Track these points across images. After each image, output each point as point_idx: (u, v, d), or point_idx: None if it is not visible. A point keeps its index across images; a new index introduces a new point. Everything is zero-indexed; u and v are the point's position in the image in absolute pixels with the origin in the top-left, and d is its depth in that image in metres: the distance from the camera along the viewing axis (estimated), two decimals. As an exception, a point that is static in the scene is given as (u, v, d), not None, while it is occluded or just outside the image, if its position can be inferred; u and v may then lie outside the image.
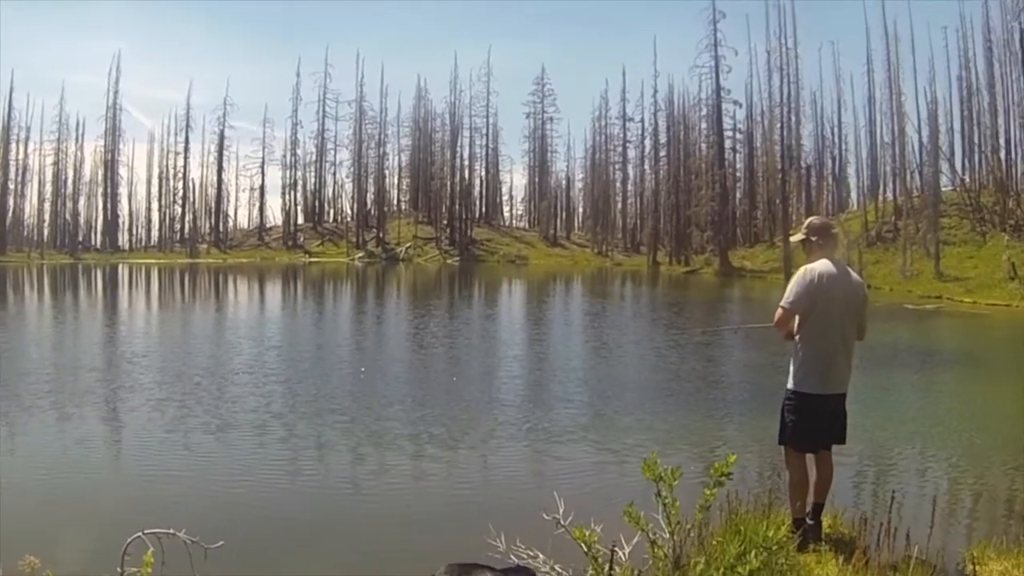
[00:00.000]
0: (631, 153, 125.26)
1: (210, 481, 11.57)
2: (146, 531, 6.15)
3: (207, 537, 6.32)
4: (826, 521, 8.33)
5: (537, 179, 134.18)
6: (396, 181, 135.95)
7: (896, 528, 7.35)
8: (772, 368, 19.02)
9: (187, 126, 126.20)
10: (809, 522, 8.03)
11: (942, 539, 7.96)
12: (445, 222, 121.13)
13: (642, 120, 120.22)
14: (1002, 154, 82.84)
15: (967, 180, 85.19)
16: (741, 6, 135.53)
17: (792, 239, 9.01)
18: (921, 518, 7.99)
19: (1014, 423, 16.43)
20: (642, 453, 6.46)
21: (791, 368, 8.25)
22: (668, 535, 6.26)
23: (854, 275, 8.41)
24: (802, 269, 8.19)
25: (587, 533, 6.02)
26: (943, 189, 79.19)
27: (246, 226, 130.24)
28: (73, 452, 12.94)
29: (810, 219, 8.84)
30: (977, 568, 7.54)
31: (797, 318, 8.12)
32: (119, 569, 5.98)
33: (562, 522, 6.49)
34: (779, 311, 8.11)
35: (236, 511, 10.26)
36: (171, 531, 6.22)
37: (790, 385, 8.21)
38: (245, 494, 10.96)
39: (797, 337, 8.16)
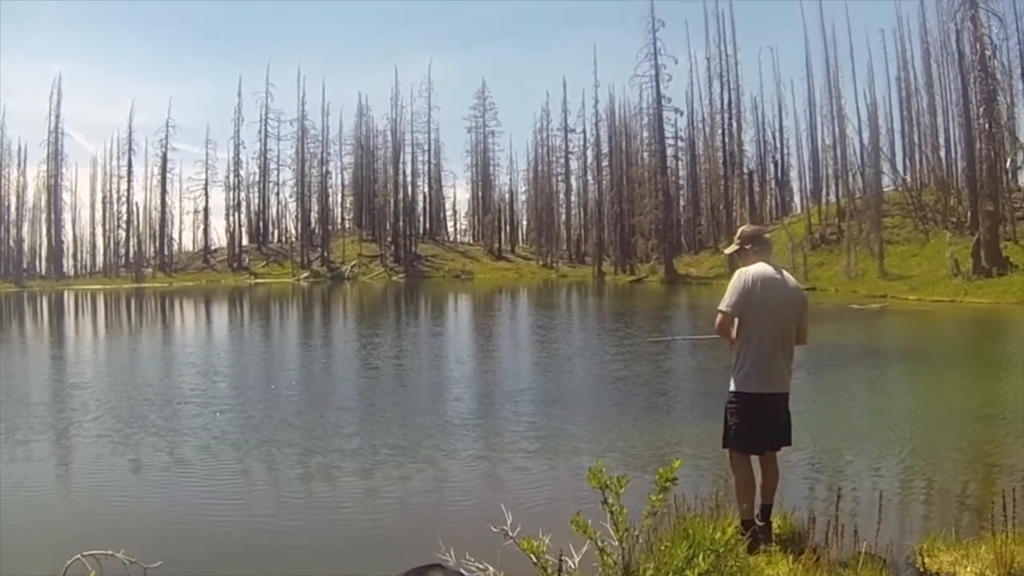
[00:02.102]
0: (573, 164, 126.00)
1: (150, 503, 11.42)
2: (85, 552, 6.11)
3: (146, 558, 6.27)
4: (776, 521, 8.36)
5: (480, 193, 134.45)
6: (340, 199, 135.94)
7: (843, 525, 7.41)
8: (715, 373, 19.05)
9: (130, 149, 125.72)
10: (759, 523, 8.05)
11: (891, 534, 8.03)
12: (389, 239, 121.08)
13: (584, 131, 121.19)
14: (942, 153, 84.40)
15: (908, 180, 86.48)
16: (680, 14, 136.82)
17: (726, 251, 9.02)
18: (870, 514, 8.06)
19: (960, 417, 16.55)
20: (592, 463, 6.45)
21: (732, 366, 8.30)
22: (617, 542, 6.26)
23: (791, 279, 8.47)
24: (737, 272, 8.27)
25: (535, 543, 6.01)
26: (885, 189, 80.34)
27: (191, 249, 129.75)
28: (11, 476, 12.75)
29: (741, 228, 8.99)
30: (927, 560, 7.62)
31: (737, 321, 8.19)
32: (59, 589, 5.94)
33: (510, 533, 6.46)
34: (718, 316, 8.22)
35: (176, 532, 10.11)
36: (110, 552, 6.18)
37: (732, 387, 8.25)
38: (185, 516, 10.79)
39: (736, 339, 8.22)
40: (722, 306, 8.16)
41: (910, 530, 9.31)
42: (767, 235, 8.95)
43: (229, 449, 14.40)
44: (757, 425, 8.14)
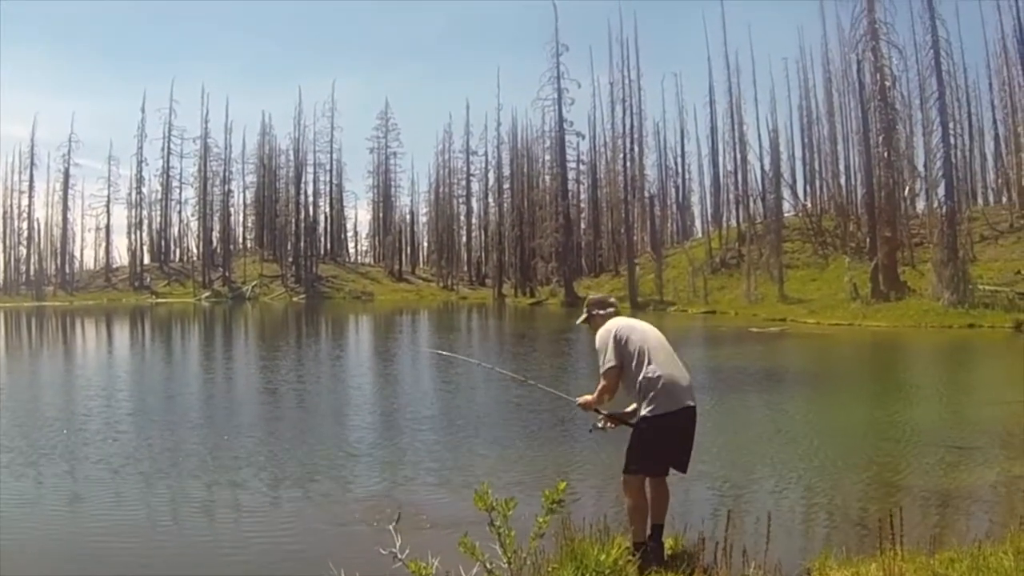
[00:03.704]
0: (475, 186, 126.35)
1: (58, 529, 11.18)
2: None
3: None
4: (668, 542, 8.37)
5: (382, 214, 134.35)
6: (241, 219, 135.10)
7: (732, 545, 7.46)
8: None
9: (32, 163, 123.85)
10: (650, 544, 8.07)
11: (782, 553, 8.05)
12: (291, 259, 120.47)
13: (486, 153, 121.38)
14: (842, 180, 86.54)
15: (809, 205, 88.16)
16: (584, 39, 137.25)
17: (578, 322, 9.44)
18: (760, 534, 8.12)
19: (853, 438, 16.83)
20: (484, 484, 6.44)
21: (638, 403, 8.39)
22: (505, 564, 6.19)
23: (648, 325, 9.02)
24: (598, 334, 8.74)
25: (423, 565, 5.94)
26: (786, 215, 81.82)
27: (92, 267, 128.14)
28: None
29: (587, 298, 9.57)
30: (818, 578, 7.66)
31: (622, 370, 8.45)
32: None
33: (399, 556, 6.38)
34: (602, 382, 8.50)
35: (58, 546, 9.98)
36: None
37: (643, 413, 8.32)
38: (69, 530, 10.67)
39: (630, 380, 8.44)
40: (605, 366, 8.44)
41: (802, 549, 9.38)
42: (612, 300, 9.40)
43: (119, 474, 14.14)
44: (668, 443, 8.31)
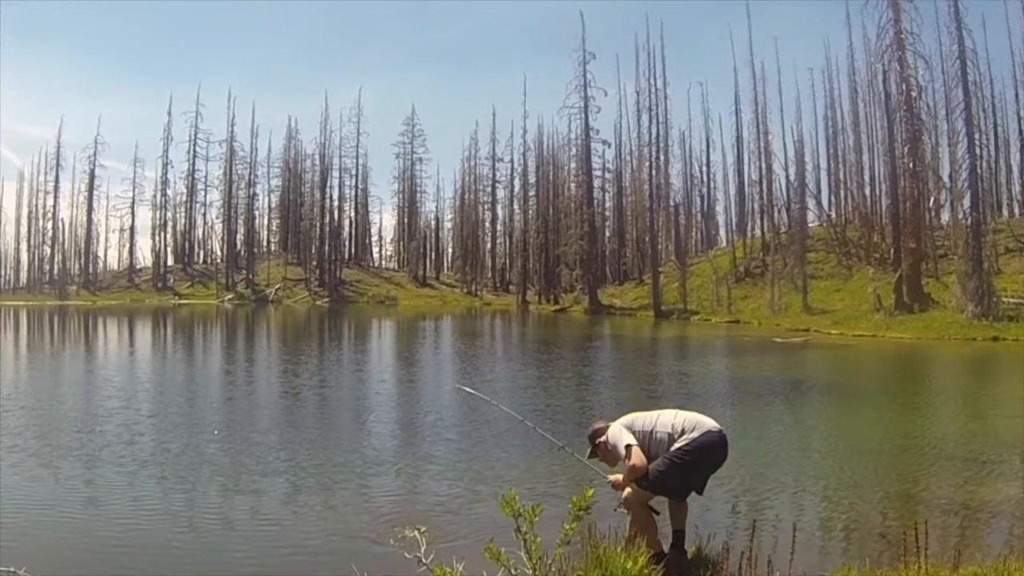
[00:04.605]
0: (500, 193, 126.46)
1: (54, 521, 11.26)
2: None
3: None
4: (691, 550, 8.39)
5: (407, 219, 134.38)
6: (266, 222, 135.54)
7: (757, 555, 7.46)
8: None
9: (57, 165, 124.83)
10: (673, 552, 8.15)
11: (806, 564, 8.05)
12: (315, 263, 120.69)
13: (511, 160, 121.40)
14: (867, 190, 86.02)
15: (833, 216, 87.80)
16: (611, 48, 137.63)
17: (586, 460, 9.26)
18: (784, 545, 8.11)
19: (878, 450, 16.70)
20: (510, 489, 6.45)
21: (672, 445, 8.42)
22: (530, 570, 6.20)
23: None
24: (608, 435, 8.77)
25: (448, 570, 5.96)
26: (810, 225, 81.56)
27: (116, 267, 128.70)
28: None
29: (589, 433, 9.25)
30: (839, 591, 7.66)
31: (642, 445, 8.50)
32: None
33: (424, 560, 6.40)
34: (629, 463, 8.41)
35: (77, 550, 10.02)
36: (12, 569, 6.05)
37: (678, 446, 8.35)
38: (87, 534, 10.72)
39: (654, 443, 8.55)
40: (624, 446, 8.47)
41: (825, 560, 9.34)
42: (601, 425, 9.20)
43: (140, 476, 14.17)
44: (698, 469, 8.39)
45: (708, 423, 8.43)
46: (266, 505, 12.49)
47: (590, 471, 9.23)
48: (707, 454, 8.34)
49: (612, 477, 8.71)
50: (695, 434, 8.28)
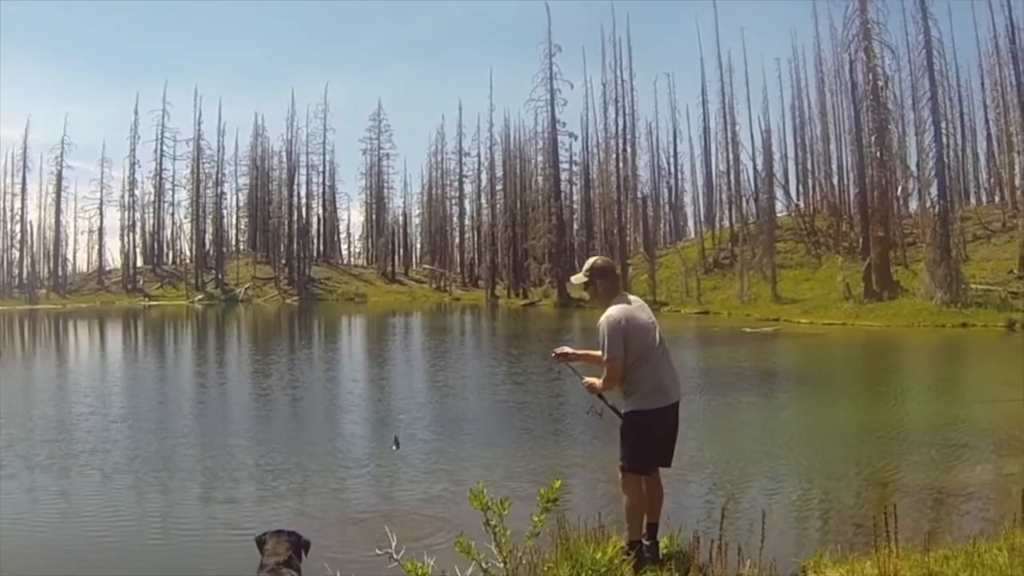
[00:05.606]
0: (468, 188, 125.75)
1: (29, 526, 11.23)
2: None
3: None
4: (663, 541, 8.36)
5: (375, 216, 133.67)
6: (234, 221, 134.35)
7: (727, 544, 7.48)
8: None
9: (24, 166, 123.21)
10: (645, 542, 8.06)
11: (777, 551, 8.05)
12: (283, 261, 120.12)
13: (479, 154, 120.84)
14: (834, 179, 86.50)
15: (801, 205, 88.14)
16: (577, 41, 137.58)
17: (574, 280, 9.04)
18: (755, 532, 8.14)
19: (847, 437, 16.85)
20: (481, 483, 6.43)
21: (626, 395, 8.31)
22: (500, 563, 6.19)
23: (639, 299, 8.78)
24: (604, 318, 8.34)
25: (419, 565, 5.93)
26: (778, 215, 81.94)
27: (85, 269, 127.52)
28: None
29: (593, 261, 9.07)
30: (813, 576, 7.66)
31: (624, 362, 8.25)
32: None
33: (395, 556, 6.38)
34: (608, 367, 8.23)
35: (53, 554, 10.00)
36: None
37: (631, 407, 8.25)
38: (61, 541, 10.68)
39: (628, 372, 8.24)
40: (609, 355, 8.19)
41: (797, 547, 9.40)
42: (617, 270, 8.94)
43: (111, 480, 14.13)
44: (654, 440, 8.21)
45: (670, 393, 8.32)
46: (235, 500, 12.50)
47: (559, 459, 9.19)
48: (658, 432, 8.23)
49: (588, 380, 8.58)
50: (654, 404, 8.19)
